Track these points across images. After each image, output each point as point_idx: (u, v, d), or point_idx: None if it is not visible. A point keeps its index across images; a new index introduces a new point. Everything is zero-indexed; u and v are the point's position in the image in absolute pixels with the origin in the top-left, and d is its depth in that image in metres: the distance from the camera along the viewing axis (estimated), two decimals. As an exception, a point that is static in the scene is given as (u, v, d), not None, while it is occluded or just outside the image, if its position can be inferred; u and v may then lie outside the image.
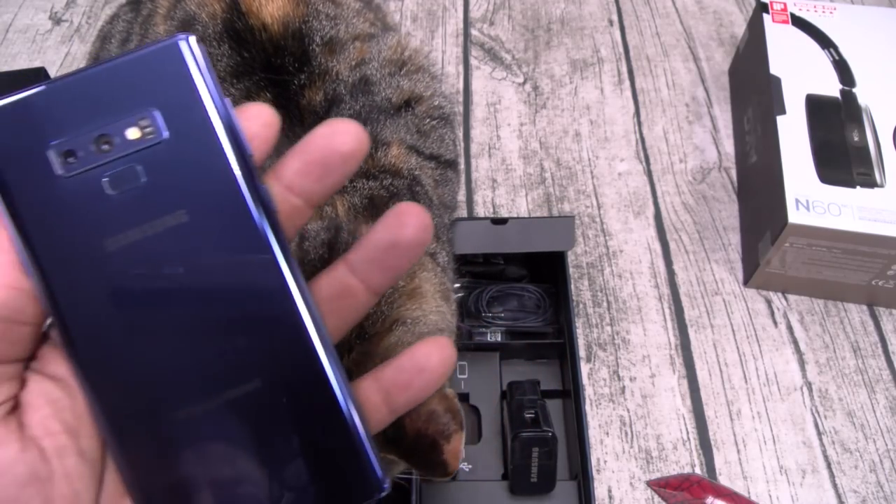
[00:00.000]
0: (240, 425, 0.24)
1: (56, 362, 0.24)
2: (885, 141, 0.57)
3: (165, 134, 0.23)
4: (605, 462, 0.52)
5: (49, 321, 0.24)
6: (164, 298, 0.24)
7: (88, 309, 0.23)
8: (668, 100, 0.73)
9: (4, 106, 0.23)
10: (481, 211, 0.65)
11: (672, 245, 0.63)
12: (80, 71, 0.23)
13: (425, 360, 0.26)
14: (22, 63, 0.73)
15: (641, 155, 0.69)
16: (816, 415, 0.54)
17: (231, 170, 0.24)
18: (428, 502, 0.48)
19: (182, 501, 0.24)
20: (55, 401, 0.23)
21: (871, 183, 0.55)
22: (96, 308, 0.23)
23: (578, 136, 0.70)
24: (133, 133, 0.23)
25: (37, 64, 0.69)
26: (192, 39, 0.24)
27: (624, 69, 0.76)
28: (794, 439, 0.53)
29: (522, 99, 0.73)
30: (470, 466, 0.50)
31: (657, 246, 0.63)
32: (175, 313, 0.24)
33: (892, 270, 0.55)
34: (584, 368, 0.56)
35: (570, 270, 0.61)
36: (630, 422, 0.54)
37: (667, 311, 0.59)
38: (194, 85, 0.23)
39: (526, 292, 0.58)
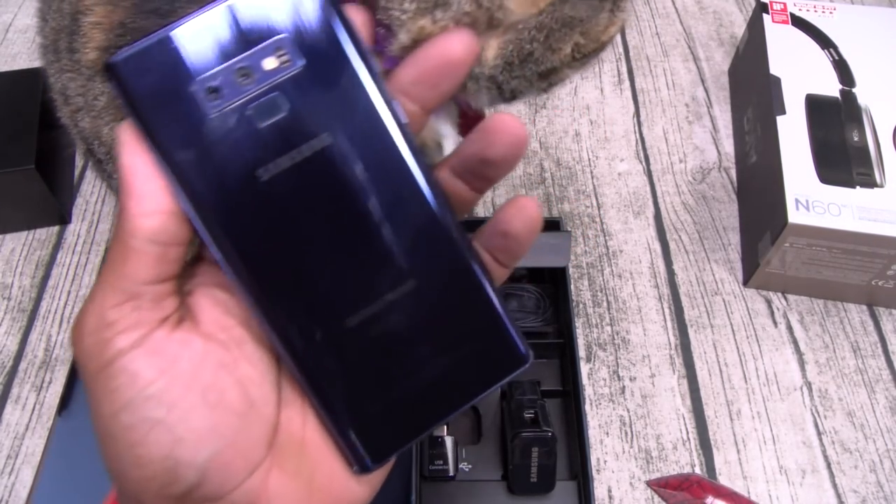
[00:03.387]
0: (404, 320, 0.26)
1: (214, 272, 0.26)
2: (885, 141, 0.57)
3: (301, 61, 0.24)
4: (605, 462, 0.52)
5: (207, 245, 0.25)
6: (315, 214, 0.25)
7: (249, 232, 0.25)
8: (668, 100, 0.73)
9: (143, 49, 0.23)
10: (481, 211, 0.65)
11: (672, 245, 0.63)
12: (204, 8, 0.23)
13: (528, 208, 0.28)
14: (22, 63, 0.73)
15: (641, 155, 0.69)
16: (816, 415, 0.54)
17: (371, 91, 0.25)
18: (428, 502, 0.48)
19: (355, 385, 0.26)
20: (223, 301, 0.26)
21: (870, 183, 0.55)
22: (257, 230, 0.25)
23: (578, 136, 0.70)
24: (271, 63, 0.24)
25: (37, 64, 0.69)
26: None
27: (624, 69, 0.76)
28: (793, 439, 0.53)
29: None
30: (470, 466, 0.50)
31: (657, 246, 0.63)
32: (327, 226, 0.25)
33: (892, 270, 0.55)
34: (584, 368, 0.56)
35: (570, 271, 0.61)
36: (630, 422, 0.54)
37: (667, 311, 0.59)
38: (321, 8, 0.24)
39: (525, 292, 0.58)
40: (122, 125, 0.24)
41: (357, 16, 0.26)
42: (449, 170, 0.29)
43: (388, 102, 0.25)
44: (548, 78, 0.35)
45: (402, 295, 0.26)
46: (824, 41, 0.64)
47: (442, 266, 0.27)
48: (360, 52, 0.25)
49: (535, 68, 0.33)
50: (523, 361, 0.28)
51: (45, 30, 0.40)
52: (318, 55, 0.24)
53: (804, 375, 0.56)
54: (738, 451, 0.53)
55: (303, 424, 0.27)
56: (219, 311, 0.26)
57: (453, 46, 0.27)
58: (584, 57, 0.35)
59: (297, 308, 0.26)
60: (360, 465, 0.26)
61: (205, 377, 0.24)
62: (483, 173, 0.28)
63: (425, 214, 0.26)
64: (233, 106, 0.24)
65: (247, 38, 0.24)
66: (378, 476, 0.27)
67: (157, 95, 0.23)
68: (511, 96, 0.34)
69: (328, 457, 0.27)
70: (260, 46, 0.24)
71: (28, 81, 0.62)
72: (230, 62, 0.24)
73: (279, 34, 0.24)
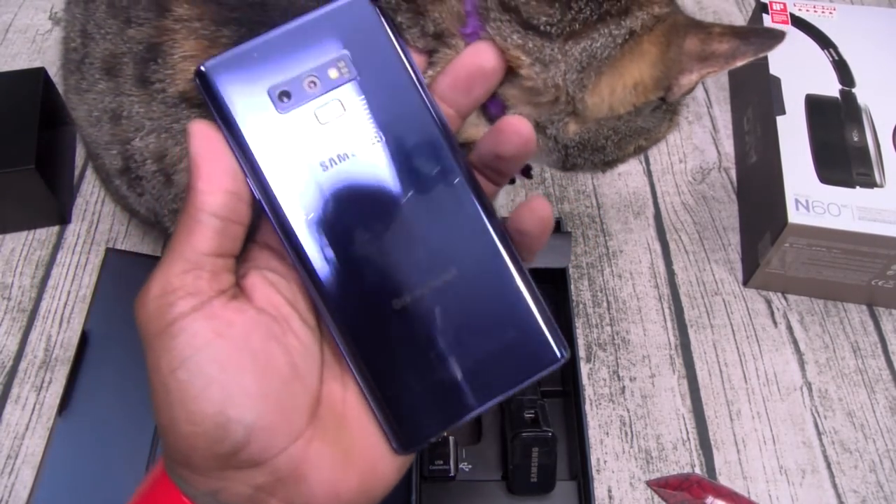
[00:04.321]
0: (444, 307, 0.29)
1: (266, 257, 0.29)
2: (885, 141, 0.57)
3: (358, 71, 0.28)
4: (605, 462, 0.52)
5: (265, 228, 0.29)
6: (369, 204, 0.28)
7: (309, 216, 0.28)
8: (668, 100, 0.73)
9: (228, 58, 0.27)
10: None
11: (672, 245, 0.63)
12: (281, 26, 0.28)
13: (539, 209, 0.30)
14: (22, 63, 0.73)
15: (641, 155, 0.69)
16: (816, 415, 0.54)
17: (418, 97, 0.29)
18: (428, 502, 0.48)
19: (395, 370, 0.28)
20: (274, 283, 0.28)
21: (870, 183, 0.55)
22: (316, 215, 0.28)
23: (578, 136, 0.70)
24: (333, 73, 0.28)
25: (37, 64, 0.69)
26: None
27: (624, 69, 0.76)
28: (793, 439, 0.53)
29: (522, 99, 0.73)
30: (470, 466, 0.50)
31: (657, 246, 0.63)
32: (379, 215, 0.28)
33: (892, 270, 0.55)
34: (584, 368, 0.56)
35: (570, 271, 0.61)
36: (630, 422, 0.54)
37: (667, 311, 0.59)
38: (379, 29, 0.28)
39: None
40: (192, 122, 0.27)
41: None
42: (474, 163, 0.31)
43: (434, 109, 0.29)
44: (610, 165, 0.41)
45: (445, 284, 0.28)
46: (824, 41, 0.64)
47: (484, 260, 0.29)
48: (409, 66, 0.29)
49: (602, 158, 0.39)
50: (557, 359, 0.29)
51: (89, 46, 0.40)
52: (374, 69, 0.28)
53: (804, 375, 0.56)
54: (738, 451, 0.53)
55: (343, 399, 0.28)
56: (270, 290, 0.28)
57: (486, 57, 0.32)
58: (641, 152, 0.42)
59: (349, 289, 0.28)
60: (399, 445, 0.28)
61: (255, 342, 0.26)
62: (498, 167, 0.31)
63: (469, 210, 0.29)
64: (300, 108, 0.28)
65: (315, 52, 0.28)
66: (410, 455, 0.29)
67: (237, 96, 0.27)
68: (570, 167, 0.40)
69: (366, 431, 0.28)
70: (326, 59, 0.28)
71: (28, 81, 0.62)
72: (300, 72, 0.28)
73: (342, 50, 0.28)
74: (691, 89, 0.36)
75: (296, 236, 0.27)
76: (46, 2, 0.80)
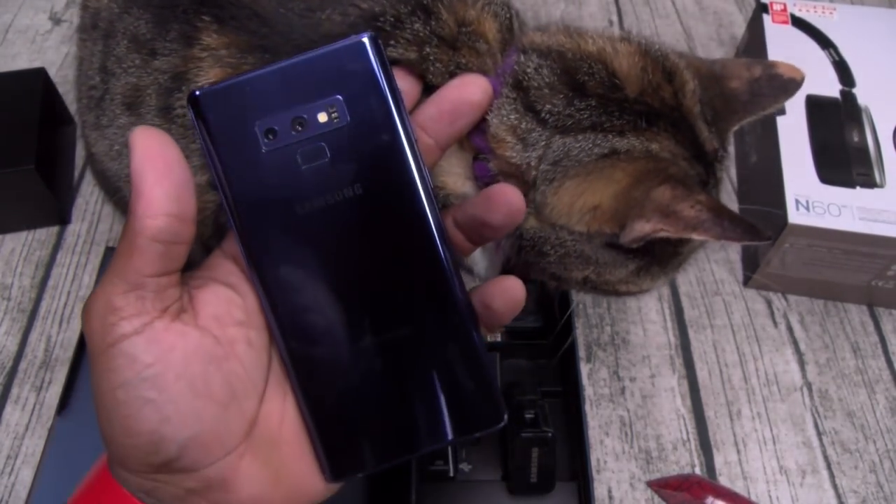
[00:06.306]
0: (396, 356, 0.29)
1: (227, 271, 0.29)
2: (885, 141, 0.57)
3: (348, 118, 0.28)
4: (605, 462, 0.52)
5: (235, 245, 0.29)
6: (336, 248, 0.28)
7: (279, 253, 0.28)
8: (668, 100, 0.73)
9: (221, 88, 0.27)
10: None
11: (672, 245, 0.63)
12: (279, 62, 0.28)
13: (511, 290, 0.30)
14: (22, 63, 0.73)
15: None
16: (816, 415, 0.54)
17: (403, 153, 0.28)
18: (427, 502, 0.48)
19: (338, 403, 0.29)
20: (227, 300, 0.28)
21: (870, 183, 0.55)
22: (285, 253, 0.28)
23: (578, 136, 0.70)
24: (322, 117, 0.28)
25: (37, 64, 0.69)
26: (372, 37, 0.28)
27: (624, 69, 0.76)
28: (794, 439, 0.53)
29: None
30: (470, 466, 0.50)
31: (657, 246, 0.63)
32: (344, 260, 0.28)
33: (892, 270, 0.55)
34: (584, 368, 0.56)
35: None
36: (630, 422, 0.54)
37: (667, 311, 0.59)
38: (374, 77, 0.28)
39: (525, 292, 0.58)
40: (135, 132, 0.26)
41: (405, 82, 0.31)
42: (452, 220, 0.31)
43: (419, 167, 0.28)
44: (555, 279, 0.39)
45: (399, 333, 0.29)
46: (824, 41, 0.64)
47: (441, 317, 0.29)
48: (400, 120, 0.28)
49: (545, 266, 0.37)
50: (499, 420, 0.30)
51: (110, 82, 0.40)
52: (364, 116, 0.28)
53: (804, 376, 0.56)
54: (739, 452, 0.53)
55: (281, 420, 0.29)
56: (221, 309, 0.28)
57: (473, 90, 0.31)
58: (594, 290, 0.39)
59: (303, 321, 0.28)
60: (331, 473, 0.29)
61: (194, 367, 0.26)
62: (481, 232, 0.31)
63: (436, 270, 0.29)
64: (284, 147, 0.27)
65: (306, 93, 0.28)
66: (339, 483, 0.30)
67: (224, 126, 0.27)
68: (512, 266, 0.38)
69: (299, 453, 0.29)
70: (316, 102, 0.28)
71: (28, 81, 0.62)
72: (289, 111, 0.27)
73: (334, 94, 0.28)
74: (642, 239, 0.33)
75: (259, 263, 0.28)
76: (46, 2, 0.80)
